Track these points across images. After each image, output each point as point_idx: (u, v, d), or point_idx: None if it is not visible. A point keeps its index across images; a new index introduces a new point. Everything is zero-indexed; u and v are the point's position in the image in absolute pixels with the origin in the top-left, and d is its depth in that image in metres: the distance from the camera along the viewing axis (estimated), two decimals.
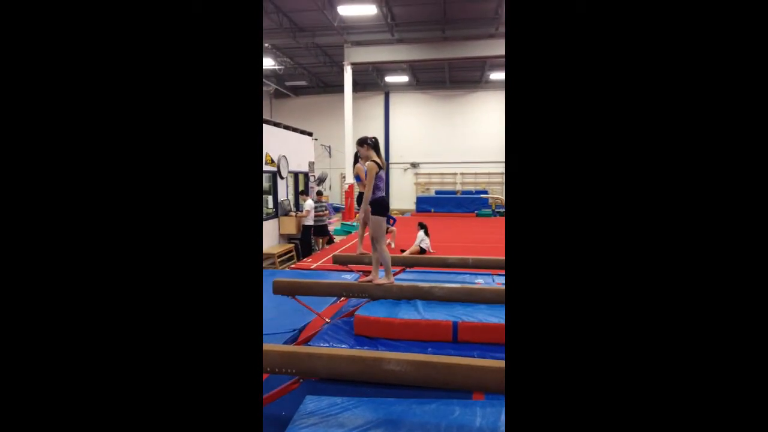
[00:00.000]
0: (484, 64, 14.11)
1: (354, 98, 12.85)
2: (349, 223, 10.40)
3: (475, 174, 16.91)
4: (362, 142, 3.36)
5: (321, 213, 7.76)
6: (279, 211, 7.91)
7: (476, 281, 4.30)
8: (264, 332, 2.85)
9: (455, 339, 2.77)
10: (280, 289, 3.25)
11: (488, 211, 14.08)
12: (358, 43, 11.97)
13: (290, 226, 7.90)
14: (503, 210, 13.96)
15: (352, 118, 12.48)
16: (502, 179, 16.87)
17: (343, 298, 3.80)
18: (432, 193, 16.26)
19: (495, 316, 2.90)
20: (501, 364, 1.72)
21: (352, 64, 12.11)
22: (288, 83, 16.26)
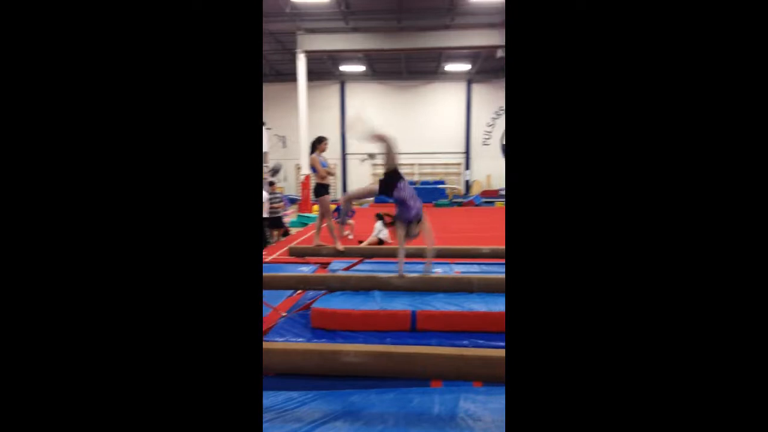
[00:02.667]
0: (440, 55, 14.20)
1: (309, 87, 12.59)
2: (305, 214, 10.24)
3: (433, 165, 17.10)
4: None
5: (276, 205, 7.57)
6: None
7: (435, 270, 4.34)
8: None
9: (414, 328, 2.78)
10: None
11: (446, 201, 14.30)
12: (312, 31, 11.71)
13: None
14: (460, 200, 14.22)
15: (307, 107, 12.24)
16: (459, 170, 17.16)
17: (299, 291, 3.72)
18: None
19: (453, 304, 2.92)
20: (458, 351, 1.73)
21: (306, 52, 11.84)
22: None
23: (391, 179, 3.04)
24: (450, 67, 15.41)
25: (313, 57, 12.70)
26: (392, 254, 4.64)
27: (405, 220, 3.01)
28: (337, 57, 14.44)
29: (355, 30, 11.66)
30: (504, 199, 15.04)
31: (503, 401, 1.85)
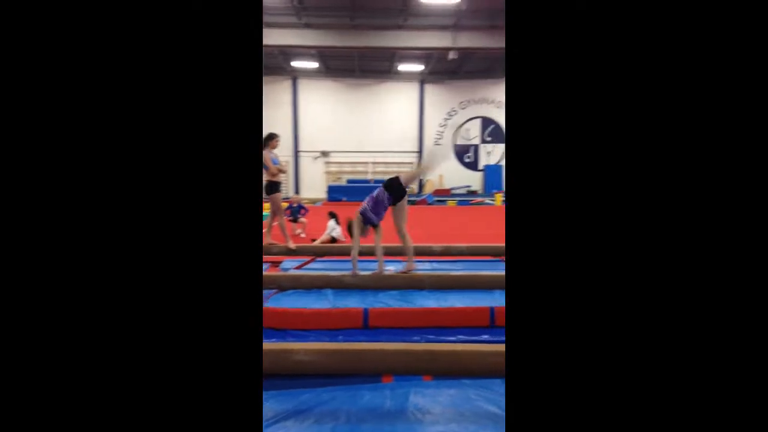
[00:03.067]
0: (393, 55, 14.30)
1: None
2: None
3: (387, 163, 17.19)
4: None
5: None
6: None
7: (387, 268, 4.38)
8: None
9: (366, 325, 2.80)
10: None
11: None
12: (264, 25, 11.45)
13: None
14: (413, 199, 14.41)
15: None
16: (412, 168, 17.40)
17: None
18: (344, 182, 16.25)
19: (405, 301, 2.98)
20: (408, 346, 1.76)
21: None
22: None
23: (396, 188, 3.35)
24: (403, 67, 15.56)
25: (264, 52, 12.42)
26: (345, 252, 4.64)
27: (366, 219, 3.24)
28: (288, 52, 14.20)
29: (307, 26, 11.51)
30: (455, 198, 15.28)
31: (452, 393, 1.91)
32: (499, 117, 17.57)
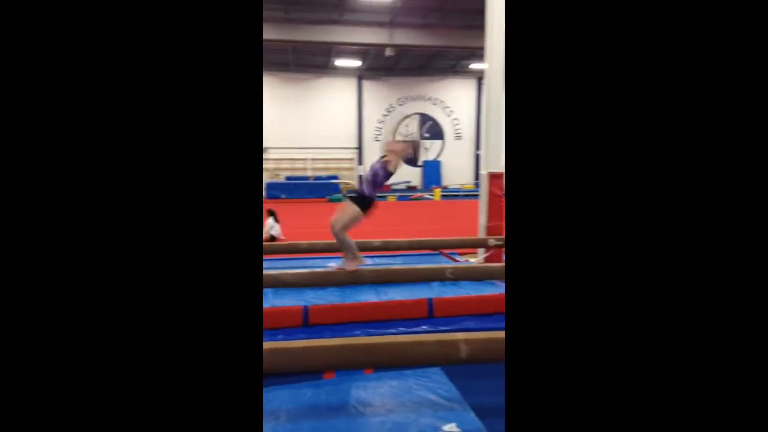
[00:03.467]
0: (330, 50, 14.17)
1: None
2: None
3: (326, 160, 17.07)
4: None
5: None
6: None
7: (328, 265, 4.36)
8: None
9: (306, 323, 2.77)
10: None
11: (340, 196, 14.40)
12: None
13: None
14: (353, 195, 14.46)
15: None
16: (352, 165, 17.37)
17: None
18: (282, 179, 15.94)
19: (347, 297, 2.98)
20: (346, 341, 1.77)
21: None
22: None
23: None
24: (340, 62, 15.48)
25: None
26: (284, 251, 4.56)
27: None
28: None
29: None
30: (395, 194, 15.50)
31: (393, 385, 1.95)
32: (436, 113, 18.02)
